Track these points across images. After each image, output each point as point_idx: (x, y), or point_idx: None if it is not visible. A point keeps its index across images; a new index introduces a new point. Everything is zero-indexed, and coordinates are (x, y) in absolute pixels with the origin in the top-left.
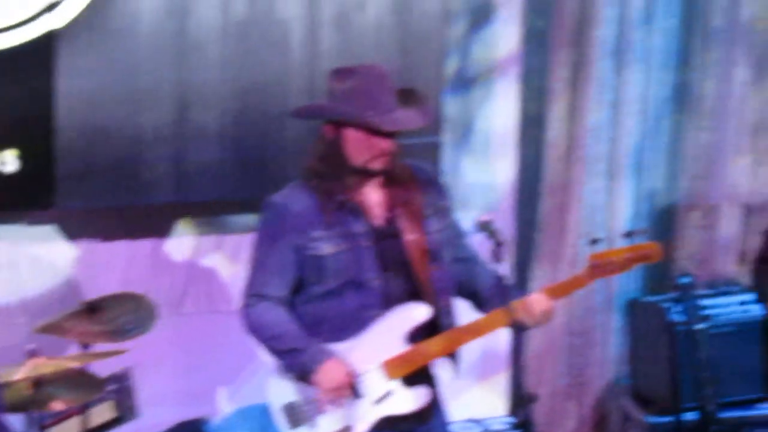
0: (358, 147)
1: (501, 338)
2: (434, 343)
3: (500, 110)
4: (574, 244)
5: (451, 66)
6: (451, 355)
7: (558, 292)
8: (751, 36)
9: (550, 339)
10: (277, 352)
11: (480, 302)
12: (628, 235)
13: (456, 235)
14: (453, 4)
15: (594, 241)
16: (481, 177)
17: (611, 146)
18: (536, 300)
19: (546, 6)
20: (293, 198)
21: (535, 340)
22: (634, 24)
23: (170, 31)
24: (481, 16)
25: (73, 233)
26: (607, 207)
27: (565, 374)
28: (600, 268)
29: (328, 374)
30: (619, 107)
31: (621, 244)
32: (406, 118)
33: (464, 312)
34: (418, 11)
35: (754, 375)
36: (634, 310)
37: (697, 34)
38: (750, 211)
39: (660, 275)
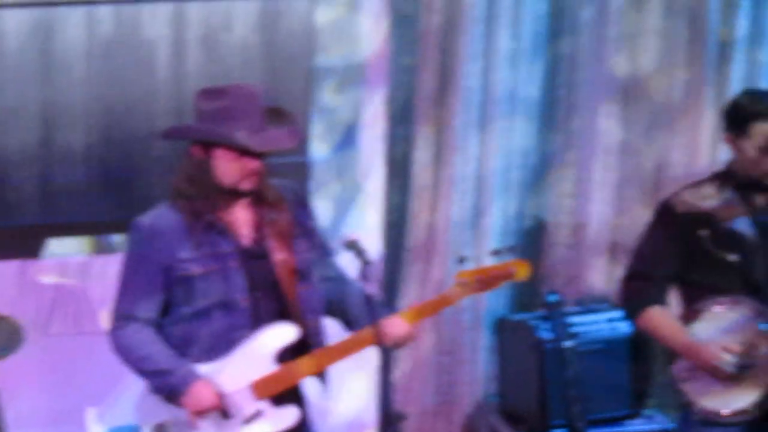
0: (228, 167)
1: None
2: (303, 363)
3: (367, 133)
4: (442, 263)
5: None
6: (320, 375)
7: (425, 311)
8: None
9: (419, 357)
10: (146, 373)
11: (348, 321)
12: (496, 253)
13: (323, 254)
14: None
15: (461, 260)
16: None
17: (477, 164)
18: (395, 324)
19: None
20: (161, 219)
21: (403, 358)
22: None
23: (35, 51)
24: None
25: None
26: (475, 225)
27: (434, 393)
28: (467, 286)
29: (197, 396)
30: (484, 127)
31: (489, 262)
32: (277, 138)
33: (334, 331)
34: (284, 31)
35: (622, 392)
36: (502, 328)
37: (562, 78)
38: (616, 229)
39: (528, 293)
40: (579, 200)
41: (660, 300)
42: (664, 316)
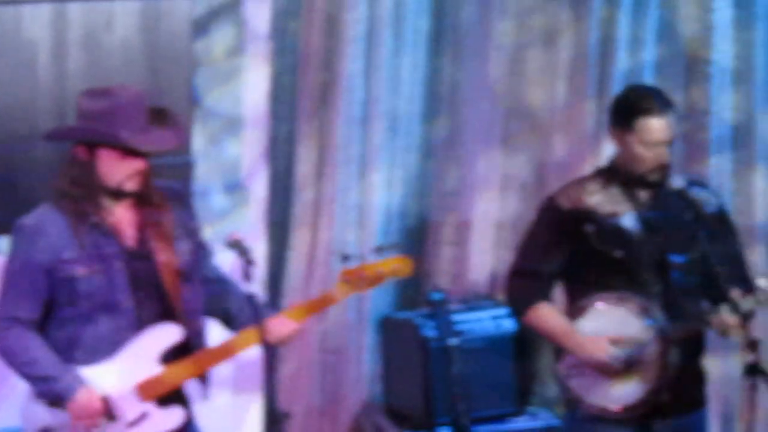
0: (111, 168)
1: (255, 356)
2: (186, 364)
3: (250, 133)
4: (325, 262)
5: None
6: (202, 376)
7: (308, 310)
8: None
9: (304, 357)
10: (30, 377)
11: (230, 322)
12: (379, 250)
13: (205, 255)
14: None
15: (345, 258)
16: (232, 196)
17: (361, 163)
18: (278, 323)
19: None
20: (44, 220)
21: (288, 357)
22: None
23: None
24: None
25: None
26: (359, 224)
27: (319, 392)
28: (351, 283)
29: (82, 401)
30: (369, 124)
31: (372, 259)
32: (161, 138)
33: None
34: (166, 31)
35: (507, 389)
36: (387, 326)
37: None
38: (501, 226)
39: (412, 291)
40: (463, 198)
41: (545, 296)
42: (550, 313)
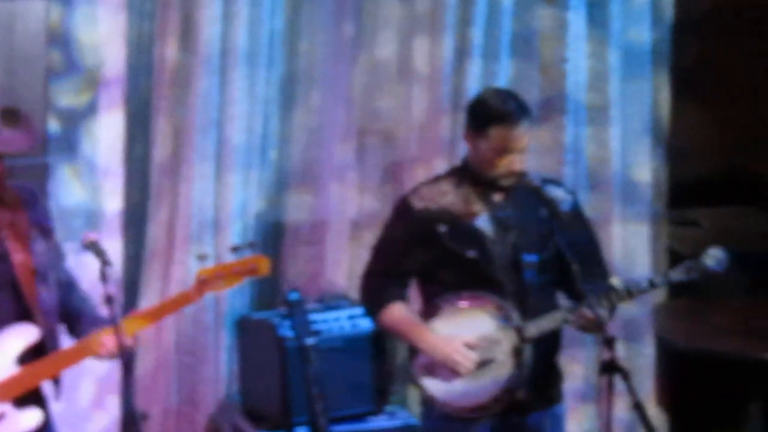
0: None
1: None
2: (41, 366)
3: (105, 133)
4: (182, 262)
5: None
6: (56, 378)
7: (165, 310)
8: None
9: (161, 357)
10: None
11: (76, 326)
12: (235, 249)
13: (57, 257)
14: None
15: (202, 257)
16: (88, 197)
17: (217, 163)
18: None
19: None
20: None
21: (145, 358)
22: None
23: None
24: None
25: None
26: (215, 224)
27: (177, 392)
28: (208, 283)
29: None
30: (224, 124)
31: (229, 259)
32: (12, 139)
33: None
34: (20, 32)
35: (364, 389)
36: (243, 326)
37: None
38: (357, 226)
39: (269, 291)
40: (319, 197)
41: (400, 296)
42: (404, 313)
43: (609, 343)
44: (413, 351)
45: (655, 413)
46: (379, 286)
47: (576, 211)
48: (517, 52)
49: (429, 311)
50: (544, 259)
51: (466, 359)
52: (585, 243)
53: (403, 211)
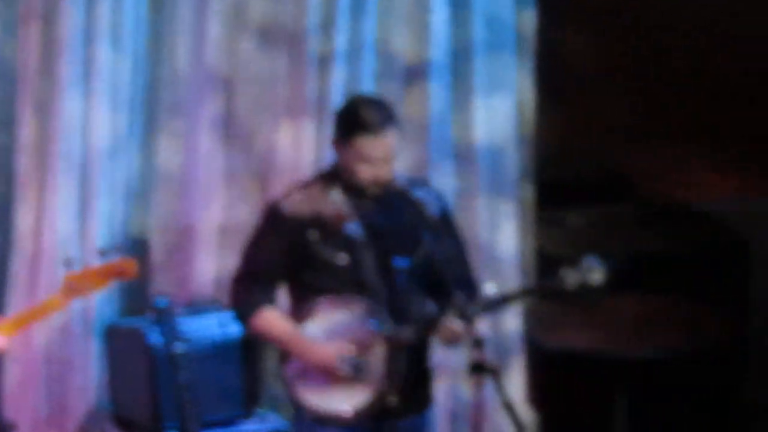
0: None
1: None
2: None
3: None
4: (49, 268)
5: None
6: None
7: (31, 317)
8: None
9: (29, 367)
10: None
11: None
12: (102, 253)
13: None
14: None
15: (68, 262)
16: None
17: (82, 169)
18: None
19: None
20: None
21: (13, 368)
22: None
23: None
24: None
25: None
26: (81, 231)
27: (46, 401)
28: (75, 287)
29: None
30: (89, 130)
31: (96, 263)
32: None
33: None
34: None
35: (235, 393)
36: (112, 334)
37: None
38: (225, 232)
39: (137, 298)
40: (186, 202)
41: (270, 301)
42: (275, 318)
43: (478, 343)
44: (285, 356)
45: (526, 413)
46: (248, 291)
47: (444, 215)
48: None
49: (300, 315)
50: (414, 264)
51: (341, 365)
52: (452, 247)
53: (273, 216)
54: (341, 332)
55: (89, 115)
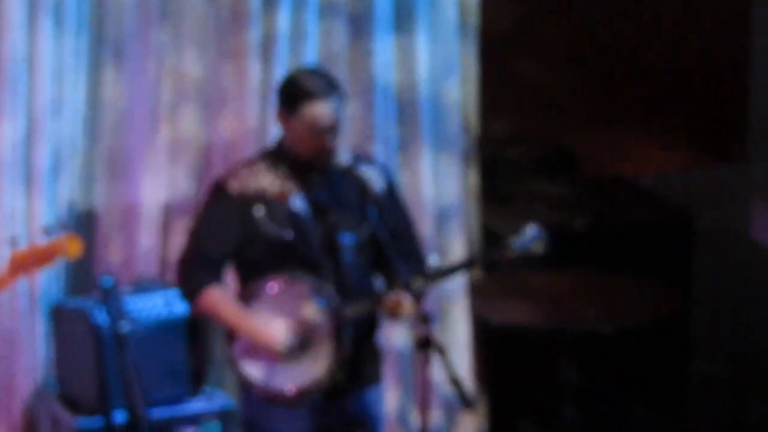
0: None
1: None
2: None
3: None
4: None
5: None
6: None
7: None
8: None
9: None
10: None
11: None
12: (47, 231)
13: None
14: None
15: (12, 240)
16: None
17: (27, 149)
18: None
19: None
20: None
21: None
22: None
23: None
24: None
25: None
26: (27, 211)
27: None
28: (19, 266)
29: None
30: (34, 113)
31: (41, 240)
32: None
33: None
34: None
35: (181, 372)
36: (58, 314)
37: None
38: (170, 211)
39: (82, 278)
40: (130, 181)
41: (217, 280)
42: (222, 297)
43: (424, 319)
44: (231, 335)
45: (474, 390)
46: (194, 270)
47: (390, 190)
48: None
49: (247, 294)
50: (360, 240)
51: (289, 343)
52: (398, 222)
53: (218, 194)
54: (288, 310)
55: (33, 96)
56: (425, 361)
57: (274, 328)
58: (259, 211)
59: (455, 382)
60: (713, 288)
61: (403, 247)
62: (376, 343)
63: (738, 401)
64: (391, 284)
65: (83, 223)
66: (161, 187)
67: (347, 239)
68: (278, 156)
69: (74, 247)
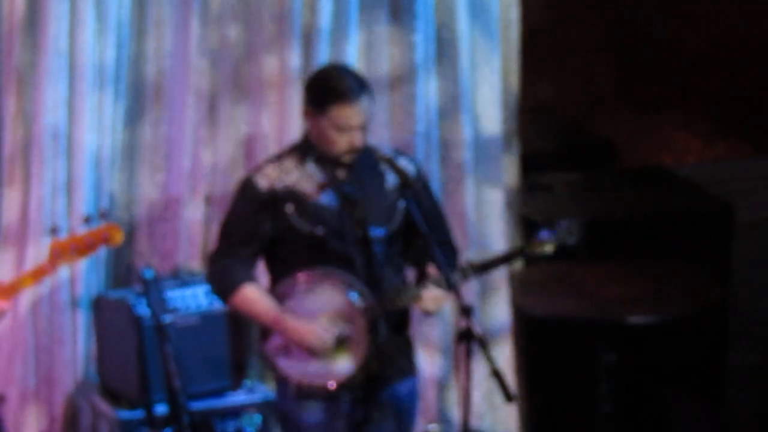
0: None
1: None
2: None
3: None
4: (37, 241)
5: None
6: None
7: (20, 284)
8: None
9: (17, 339)
10: None
11: None
12: (87, 219)
13: None
14: None
15: (54, 230)
16: None
17: (68, 142)
18: None
19: None
20: None
21: (1, 341)
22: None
23: None
24: None
25: None
26: (68, 202)
27: (33, 374)
28: (61, 255)
29: None
30: (74, 99)
31: (81, 230)
32: None
33: None
34: None
35: (222, 364)
36: (100, 306)
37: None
38: (211, 202)
39: (124, 270)
40: (172, 173)
41: (249, 278)
42: (256, 294)
43: (466, 311)
44: (265, 332)
45: (514, 381)
46: (227, 268)
47: (420, 181)
48: None
49: (281, 291)
50: (391, 232)
51: (326, 341)
52: (430, 212)
53: (248, 191)
54: (323, 306)
55: (73, 86)
56: (466, 354)
57: (310, 326)
58: (290, 208)
59: (497, 374)
60: (752, 278)
61: (437, 236)
62: (409, 335)
63: None
64: (422, 275)
65: (125, 214)
66: (203, 177)
67: (377, 232)
68: (306, 151)
69: (115, 236)
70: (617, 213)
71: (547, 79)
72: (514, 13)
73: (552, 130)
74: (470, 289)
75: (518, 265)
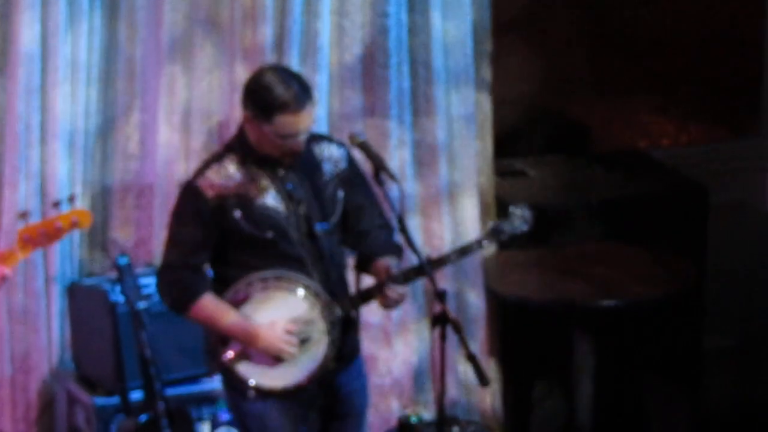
0: None
1: None
2: None
3: None
4: (10, 231)
5: None
6: None
7: None
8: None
9: None
10: None
11: None
12: (56, 204)
13: None
14: None
15: (23, 215)
16: None
17: (42, 130)
18: None
19: None
20: None
21: None
22: None
23: None
24: None
25: None
26: (42, 191)
27: (8, 361)
28: (30, 240)
29: None
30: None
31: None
32: None
33: None
34: None
35: (196, 352)
36: (74, 292)
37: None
38: None
39: (99, 257)
40: (145, 161)
41: (204, 288)
42: (215, 305)
43: (440, 296)
44: (223, 340)
45: (488, 364)
46: (182, 280)
47: (352, 167)
48: None
49: (235, 298)
50: (333, 225)
51: (290, 345)
52: (364, 197)
53: (194, 200)
54: (282, 310)
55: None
56: (441, 338)
57: (276, 333)
58: (238, 214)
59: (471, 358)
60: (727, 261)
61: (374, 220)
62: (354, 318)
63: (751, 374)
64: (366, 260)
65: (99, 201)
66: (176, 165)
67: (322, 227)
68: (245, 153)
69: (84, 220)
70: (592, 196)
71: (522, 64)
72: None
73: (527, 115)
74: (444, 274)
75: (492, 249)
